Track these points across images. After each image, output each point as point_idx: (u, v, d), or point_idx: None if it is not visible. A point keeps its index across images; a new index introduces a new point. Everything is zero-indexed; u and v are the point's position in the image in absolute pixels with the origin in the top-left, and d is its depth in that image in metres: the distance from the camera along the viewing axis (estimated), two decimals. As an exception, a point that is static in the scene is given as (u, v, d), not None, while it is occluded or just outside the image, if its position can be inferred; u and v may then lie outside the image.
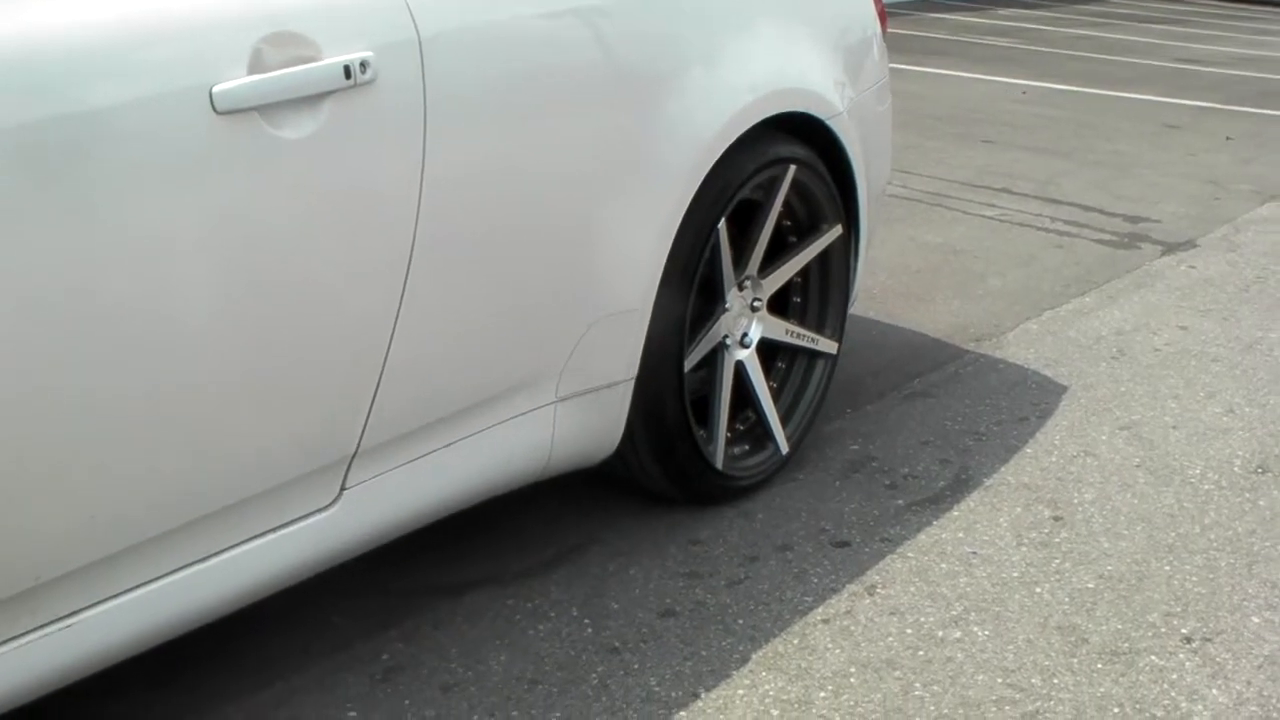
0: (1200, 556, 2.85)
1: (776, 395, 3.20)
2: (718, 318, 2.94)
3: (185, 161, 1.87)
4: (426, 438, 2.35)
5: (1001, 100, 8.79)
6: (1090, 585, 2.72)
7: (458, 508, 2.49)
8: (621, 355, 2.65)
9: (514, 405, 2.50)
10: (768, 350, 3.17)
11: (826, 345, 3.25)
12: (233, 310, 1.98)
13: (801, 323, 3.24)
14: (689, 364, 2.83)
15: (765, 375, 3.17)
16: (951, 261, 4.91)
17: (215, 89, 1.89)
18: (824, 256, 3.22)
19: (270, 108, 1.96)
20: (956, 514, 3.02)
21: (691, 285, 2.76)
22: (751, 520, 2.97)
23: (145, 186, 1.83)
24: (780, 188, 2.97)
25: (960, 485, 3.16)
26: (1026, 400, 3.67)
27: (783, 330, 3.15)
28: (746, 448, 3.08)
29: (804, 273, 3.23)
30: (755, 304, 3.06)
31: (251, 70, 1.95)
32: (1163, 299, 4.59)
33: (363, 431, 2.22)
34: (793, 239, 3.17)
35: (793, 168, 2.97)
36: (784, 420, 3.17)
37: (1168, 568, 2.80)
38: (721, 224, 2.80)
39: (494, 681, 2.35)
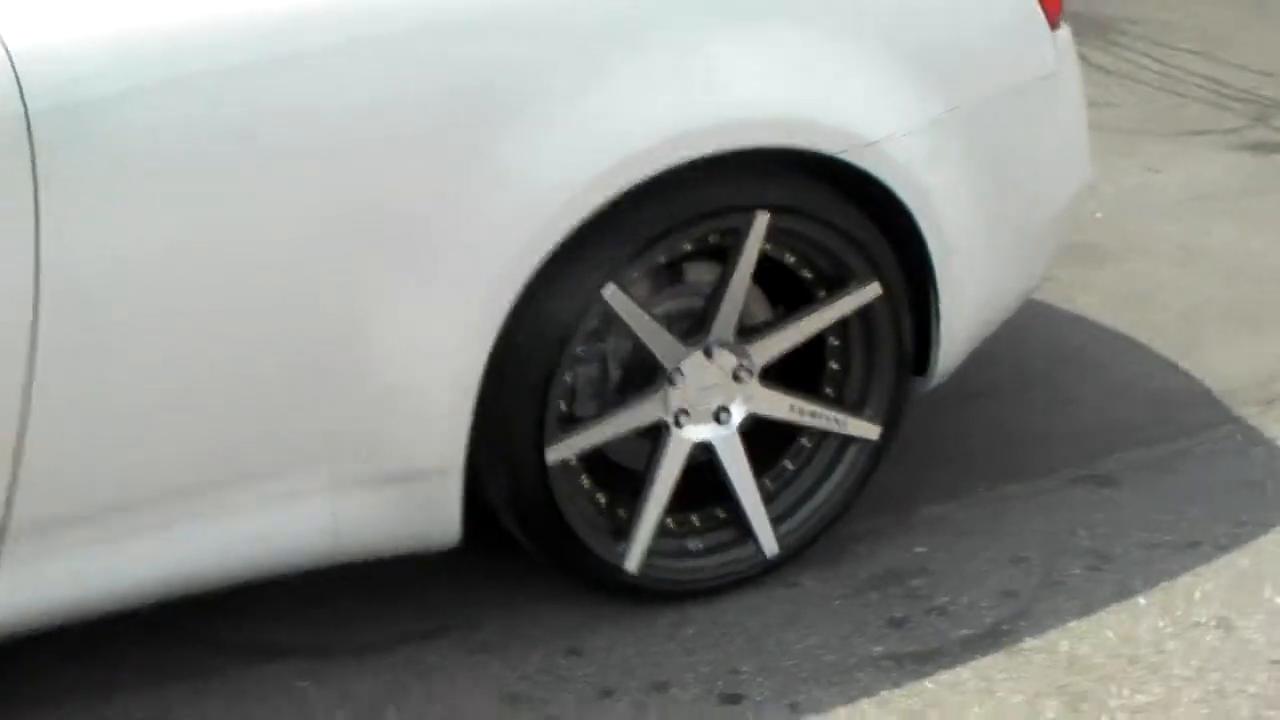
0: None
1: (788, 482, 2.58)
2: (655, 391, 2.40)
3: None
4: (112, 524, 2.12)
5: None
6: None
7: (194, 590, 2.23)
8: (426, 443, 2.23)
9: (264, 489, 2.19)
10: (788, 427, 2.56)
11: (861, 429, 2.55)
12: None
13: (835, 399, 2.56)
14: (563, 451, 2.33)
15: (779, 454, 2.57)
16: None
17: None
18: (867, 320, 2.51)
19: None
20: (927, 688, 2.30)
21: (556, 361, 2.26)
22: (672, 637, 2.43)
23: None
24: (746, 241, 2.34)
25: (984, 641, 2.40)
26: (1230, 515, 2.70)
27: (786, 407, 2.51)
28: (700, 544, 2.51)
29: (842, 336, 2.55)
30: (741, 372, 2.46)
31: None
32: None
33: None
34: (822, 294, 2.50)
35: (763, 216, 2.32)
36: (785, 515, 2.55)
37: None
38: (610, 289, 2.26)
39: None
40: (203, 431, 2.12)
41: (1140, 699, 2.26)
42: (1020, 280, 2.70)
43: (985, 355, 3.17)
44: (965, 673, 2.34)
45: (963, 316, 2.57)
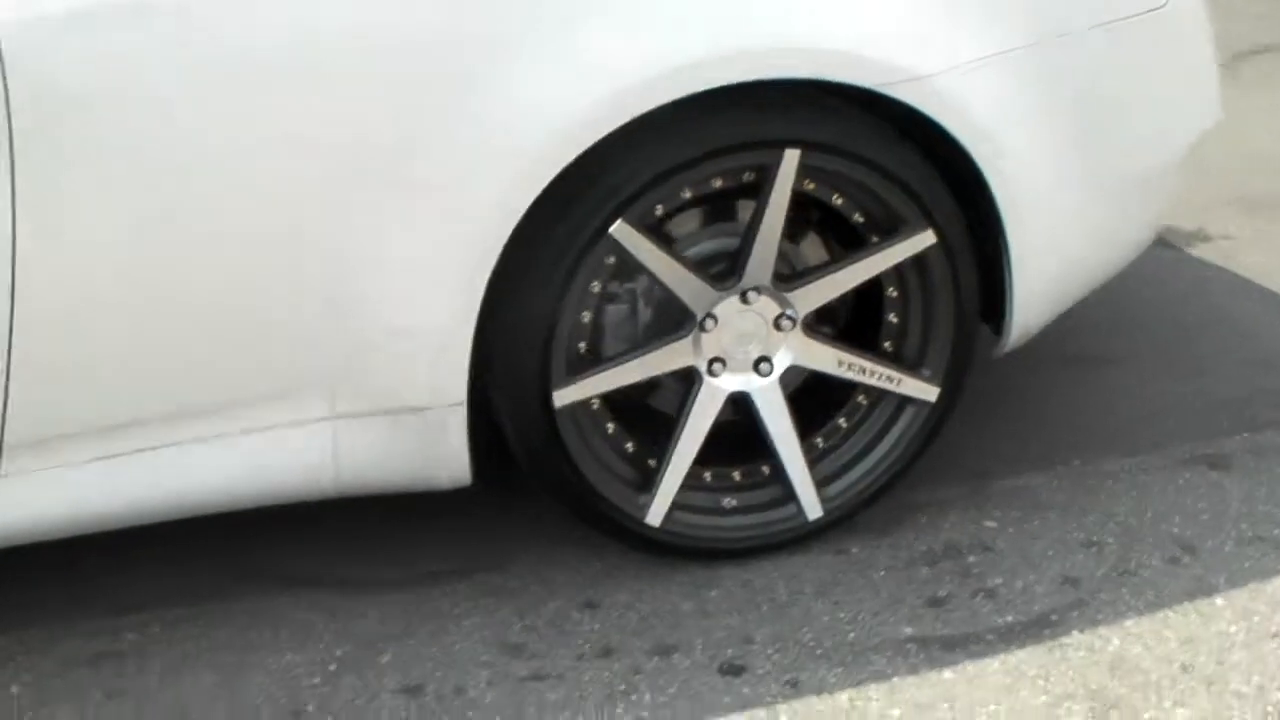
0: None
1: (840, 441, 2.41)
2: (683, 336, 2.25)
3: None
4: (109, 443, 2.12)
5: None
6: None
7: (196, 511, 2.22)
8: (424, 378, 2.15)
9: (260, 416, 2.15)
10: (844, 383, 2.38)
11: (917, 389, 2.35)
12: None
13: (893, 355, 2.37)
14: (575, 393, 2.21)
15: (834, 411, 2.40)
16: None
17: None
18: (922, 271, 2.31)
19: None
20: (945, 678, 2.10)
21: (559, 298, 2.15)
22: (694, 596, 2.30)
23: None
24: (774, 179, 2.16)
25: (1025, 632, 2.18)
26: (1352, 515, 2.39)
27: (832, 360, 2.33)
28: (735, 502, 2.36)
29: (900, 287, 2.34)
30: (783, 321, 2.29)
31: None
32: None
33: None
34: (874, 239, 2.30)
35: (792, 153, 2.14)
36: (833, 477, 2.38)
37: None
38: (618, 226, 2.12)
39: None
40: (196, 355, 2.10)
41: (1181, 713, 2.02)
42: (1118, 235, 2.44)
43: (1115, 317, 2.94)
44: (993, 664, 2.13)
45: (1041, 272, 2.33)
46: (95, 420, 2.10)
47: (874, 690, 2.10)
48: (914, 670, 2.13)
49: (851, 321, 2.48)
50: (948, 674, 2.13)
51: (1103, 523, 2.42)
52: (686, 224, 2.33)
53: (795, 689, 2.11)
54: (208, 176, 1.99)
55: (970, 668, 2.13)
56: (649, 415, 2.41)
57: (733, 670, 2.16)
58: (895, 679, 2.12)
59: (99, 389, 2.09)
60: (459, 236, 2.07)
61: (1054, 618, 2.22)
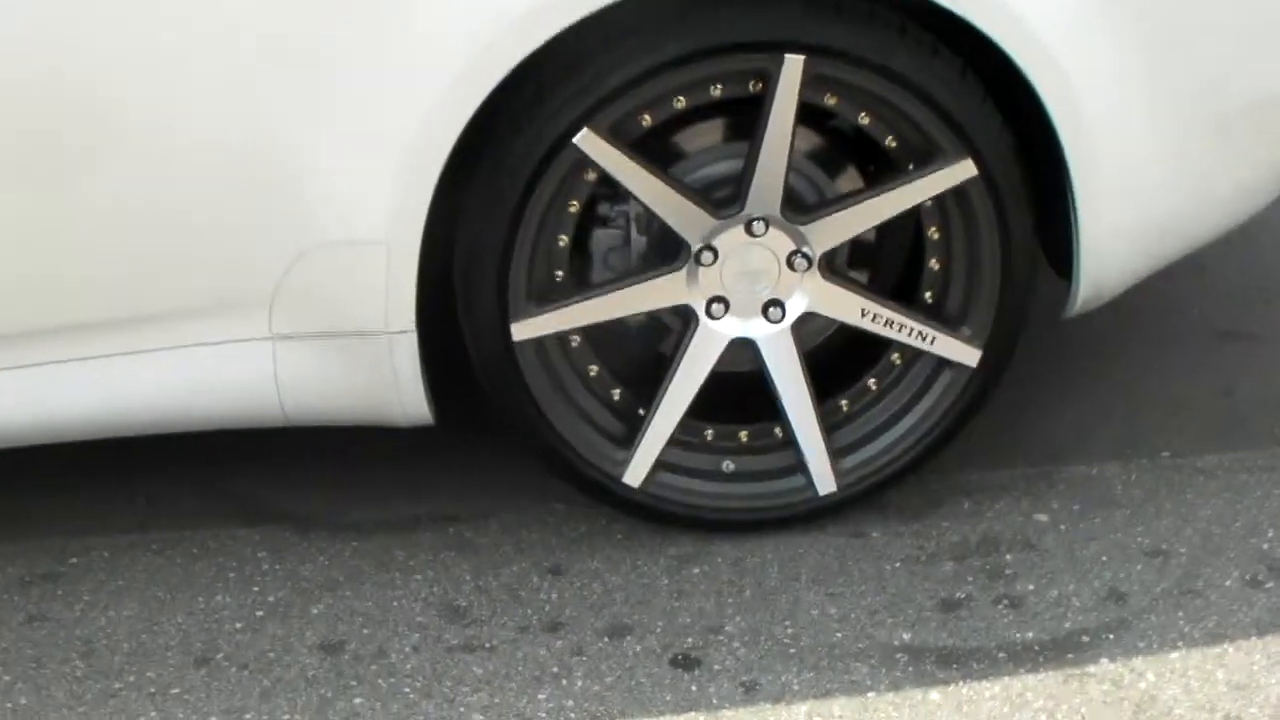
0: None
1: (867, 406, 2.06)
2: (675, 269, 1.94)
3: None
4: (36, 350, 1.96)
5: None
6: None
7: (137, 429, 2.04)
8: (368, 299, 1.90)
9: (195, 332, 1.95)
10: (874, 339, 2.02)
11: (954, 350, 1.98)
12: None
13: (932, 309, 2.01)
14: (539, 327, 1.93)
15: (865, 369, 2.05)
16: None
17: None
18: (967, 212, 1.92)
19: None
20: (930, 699, 1.75)
21: (516, 215, 1.87)
22: (673, 573, 2.00)
23: None
24: (775, 90, 1.81)
25: (1044, 653, 1.80)
26: None
27: (855, 309, 1.98)
28: (734, 467, 2.05)
29: (943, 228, 1.96)
30: (796, 259, 1.94)
31: None
32: None
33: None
34: (911, 168, 1.93)
35: (794, 59, 1.79)
36: (853, 447, 2.05)
37: None
38: (584, 135, 1.81)
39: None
40: (123, 261, 1.92)
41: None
42: (1224, 178, 1.99)
43: (1266, 285, 2.49)
44: (990, 689, 1.77)
45: (1115, 216, 1.92)
46: (18, 324, 1.95)
47: (840, 705, 1.77)
48: (895, 686, 1.79)
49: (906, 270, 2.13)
50: (934, 694, 1.78)
51: (1178, 528, 2.01)
52: (701, 138, 2.01)
53: (749, 693, 1.80)
54: (132, 73, 1.80)
55: (963, 690, 1.78)
56: (657, 363, 2.11)
57: (686, 663, 1.86)
58: (870, 694, 1.78)
59: (18, 294, 1.93)
60: (398, 139, 1.81)
61: (1084, 639, 1.83)
